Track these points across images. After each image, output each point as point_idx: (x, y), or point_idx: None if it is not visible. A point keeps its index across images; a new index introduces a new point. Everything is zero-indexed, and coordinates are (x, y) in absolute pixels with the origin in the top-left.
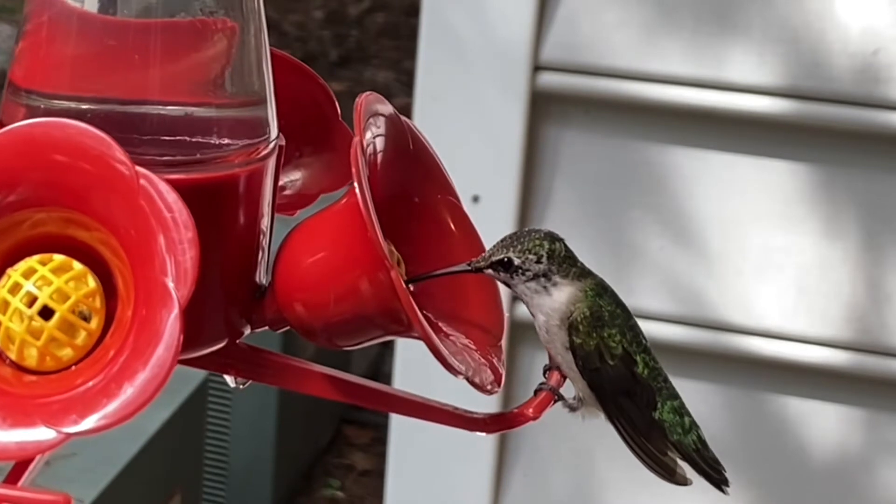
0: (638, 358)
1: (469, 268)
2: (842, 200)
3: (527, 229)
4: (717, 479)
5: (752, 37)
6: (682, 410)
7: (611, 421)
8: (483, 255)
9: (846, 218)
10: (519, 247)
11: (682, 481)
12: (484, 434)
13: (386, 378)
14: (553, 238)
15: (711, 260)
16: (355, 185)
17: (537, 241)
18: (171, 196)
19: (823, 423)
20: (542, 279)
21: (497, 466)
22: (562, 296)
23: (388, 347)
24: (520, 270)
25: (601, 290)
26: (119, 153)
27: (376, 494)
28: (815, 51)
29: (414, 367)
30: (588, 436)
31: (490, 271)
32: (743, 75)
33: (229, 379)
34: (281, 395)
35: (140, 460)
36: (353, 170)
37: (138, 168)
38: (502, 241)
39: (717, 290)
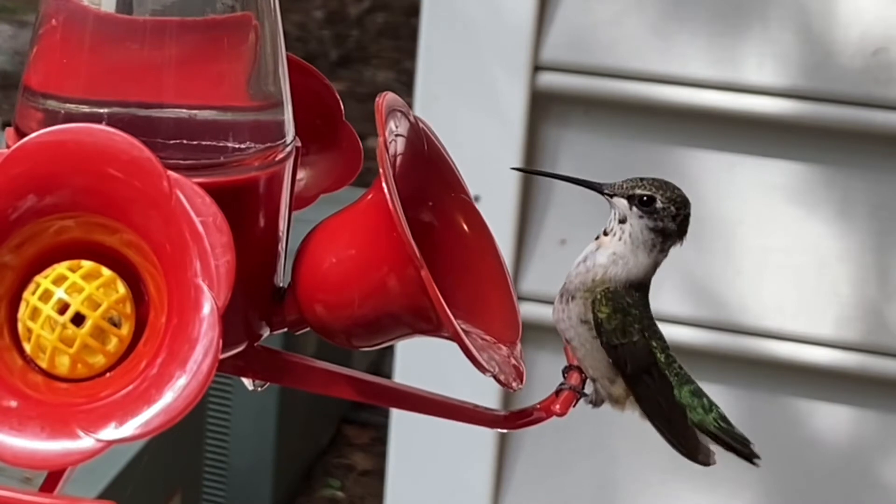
0: (654, 343)
1: (602, 189)
2: (847, 201)
3: (665, 180)
4: (747, 454)
5: (753, 37)
6: (699, 393)
7: (636, 398)
8: (616, 182)
9: (851, 218)
10: (668, 193)
11: (705, 462)
12: (505, 430)
13: (385, 378)
14: (690, 205)
15: (714, 260)
16: (382, 182)
17: (681, 198)
18: (205, 200)
19: (830, 424)
20: (660, 238)
21: (497, 467)
22: (645, 264)
23: (388, 348)
24: (656, 215)
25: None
26: (151, 158)
27: (376, 494)
28: (817, 51)
29: (414, 368)
30: (589, 437)
31: (622, 200)
32: (744, 75)
33: (247, 382)
34: (281, 395)
35: (140, 460)
36: (381, 168)
37: (170, 173)
38: (642, 179)
39: (720, 290)
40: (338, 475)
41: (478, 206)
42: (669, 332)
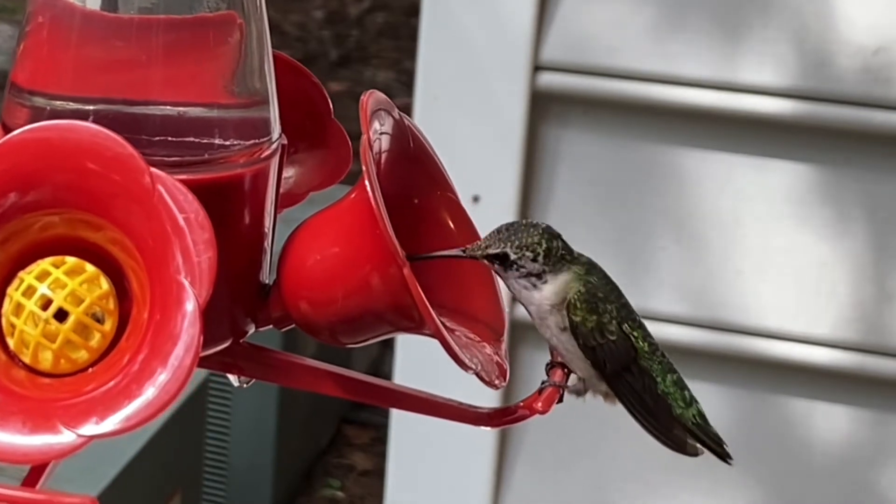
0: (636, 333)
1: (464, 254)
2: (846, 201)
3: (525, 222)
4: (720, 453)
5: (753, 37)
6: (681, 384)
7: (617, 396)
8: (479, 242)
9: (850, 218)
10: (517, 242)
11: (693, 452)
12: (489, 428)
13: (386, 378)
14: (552, 235)
15: (713, 260)
16: (365, 181)
17: (535, 239)
18: (187, 197)
19: (829, 424)
20: (533, 278)
21: (497, 466)
22: (550, 289)
23: (389, 347)
24: (514, 266)
25: (590, 268)
26: (133, 154)
27: (376, 494)
28: (817, 51)
29: (414, 366)
30: (589, 437)
31: (485, 261)
32: (744, 76)
33: (233, 378)
34: (281, 395)
35: (140, 460)
36: (364, 165)
37: (153, 169)
38: (499, 231)
39: (719, 290)
40: (338, 475)
41: (477, 205)
42: (669, 331)
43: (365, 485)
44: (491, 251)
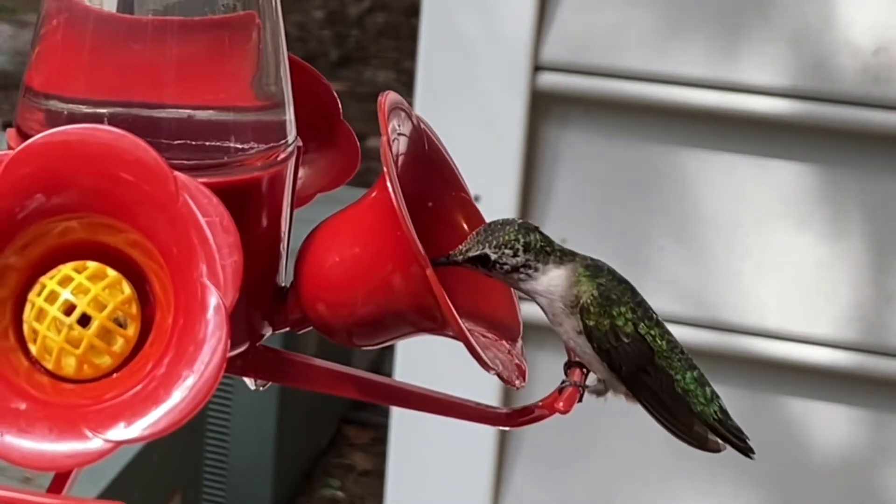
0: (654, 332)
1: (446, 260)
2: (846, 201)
3: (501, 221)
4: (742, 447)
5: (753, 37)
6: (702, 380)
7: (634, 396)
8: (460, 247)
9: (850, 218)
10: (494, 241)
11: (715, 448)
12: (507, 428)
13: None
14: (527, 229)
15: (713, 260)
16: (387, 181)
17: (512, 235)
18: (212, 201)
19: (828, 424)
20: (522, 270)
21: (497, 466)
22: (549, 279)
23: (388, 348)
24: (497, 265)
25: (597, 271)
26: (157, 158)
27: (376, 494)
28: (817, 51)
29: (413, 367)
30: (588, 437)
31: (467, 265)
32: (744, 76)
33: (249, 381)
34: (281, 395)
35: (140, 460)
36: (385, 166)
37: (177, 173)
38: (477, 233)
39: (719, 290)
40: (338, 475)
41: (478, 205)
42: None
43: (365, 485)
44: (471, 254)
